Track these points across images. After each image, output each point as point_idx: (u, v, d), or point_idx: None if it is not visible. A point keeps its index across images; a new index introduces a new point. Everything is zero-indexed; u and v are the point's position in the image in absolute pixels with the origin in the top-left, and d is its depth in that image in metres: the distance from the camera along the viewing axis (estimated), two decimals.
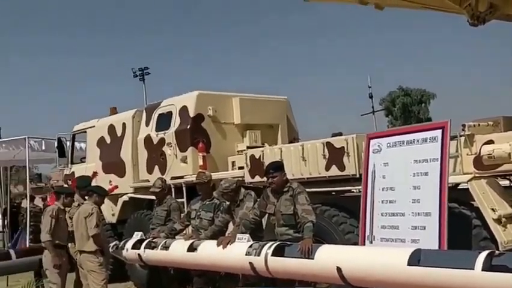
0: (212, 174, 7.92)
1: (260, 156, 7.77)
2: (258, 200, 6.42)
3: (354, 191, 7.19)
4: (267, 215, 6.23)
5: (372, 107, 35.87)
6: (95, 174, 10.81)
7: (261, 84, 77.55)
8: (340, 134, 7.70)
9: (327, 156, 6.88)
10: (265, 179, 6.40)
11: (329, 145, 6.89)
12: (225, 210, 6.86)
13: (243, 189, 6.79)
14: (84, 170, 11.59)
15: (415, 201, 5.38)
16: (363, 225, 5.85)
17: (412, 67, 70.36)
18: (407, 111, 47.12)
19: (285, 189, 5.87)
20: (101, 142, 11.31)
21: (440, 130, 5.32)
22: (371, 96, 35.63)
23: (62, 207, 7.65)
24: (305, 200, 5.71)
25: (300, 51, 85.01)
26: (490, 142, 5.89)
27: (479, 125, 6.31)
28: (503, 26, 7.16)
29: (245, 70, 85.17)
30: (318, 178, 7.02)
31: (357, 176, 6.61)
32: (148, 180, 10.22)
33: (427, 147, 5.39)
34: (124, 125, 10.82)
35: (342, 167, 6.72)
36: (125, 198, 10.58)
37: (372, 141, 5.91)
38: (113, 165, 10.85)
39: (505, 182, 6.32)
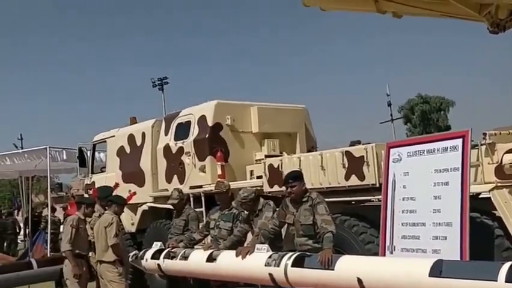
0: (230, 183, 7.92)
1: (279, 165, 7.77)
2: (277, 209, 6.40)
3: (374, 200, 7.15)
4: (286, 225, 6.20)
5: (391, 115, 35.80)
6: (117, 185, 10.89)
7: (279, 92, 77.52)
8: (359, 142, 7.67)
9: (346, 166, 6.85)
10: (284, 188, 6.39)
11: (348, 154, 6.85)
12: (244, 220, 6.85)
13: (261, 199, 6.78)
14: (104, 180, 11.68)
15: (436, 211, 5.32)
16: (384, 235, 5.80)
17: (431, 74, 69.75)
18: (426, 118, 46.74)
19: (304, 199, 5.84)
20: (121, 152, 11.42)
21: (461, 139, 5.26)
22: (389, 104, 35.54)
23: (83, 217, 7.72)
24: (325, 210, 5.67)
25: (318, 57, 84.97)
26: None
27: (500, 133, 6.22)
28: None
29: (263, 79, 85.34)
30: (337, 188, 6.98)
31: (377, 185, 6.56)
32: (167, 190, 10.27)
33: (448, 157, 5.33)
34: (143, 134, 10.91)
35: (361, 177, 6.68)
36: (144, 207, 10.65)
37: (392, 151, 5.87)
38: (133, 174, 10.93)
39: None
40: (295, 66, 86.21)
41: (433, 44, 73.68)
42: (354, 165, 6.75)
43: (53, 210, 14.43)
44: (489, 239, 5.59)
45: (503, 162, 5.60)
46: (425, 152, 5.55)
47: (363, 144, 7.25)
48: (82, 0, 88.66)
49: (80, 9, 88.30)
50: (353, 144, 7.65)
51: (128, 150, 11.26)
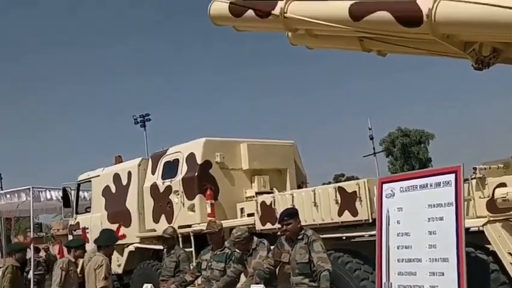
0: (222, 222, 7.85)
1: (271, 202, 7.74)
2: (272, 248, 6.34)
3: (365, 236, 7.14)
4: (280, 263, 6.14)
5: (373, 148, 36.20)
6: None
7: (265, 128, 77.97)
8: (342, 176, 7.74)
9: (339, 202, 6.86)
10: (277, 226, 6.35)
11: (340, 190, 6.88)
12: (237, 260, 6.76)
13: (255, 238, 6.72)
14: (89, 220, 11.54)
15: (432, 246, 5.32)
16: (380, 272, 5.77)
17: (411, 108, 71.12)
18: (407, 151, 47.41)
19: (300, 236, 5.80)
20: (106, 191, 11.29)
21: (453, 174, 5.31)
22: (371, 138, 36.04)
23: (73, 260, 7.58)
24: (321, 248, 5.64)
25: (302, 91, 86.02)
26: (503, 185, 5.89)
27: (489, 167, 6.33)
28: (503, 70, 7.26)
29: (249, 114, 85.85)
30: (330, 224, 6.97)
31: (370, 221, 6.58)
32: (154, 230, 10.18)
33: (441, 192, 5.37)
34: (129, 173, 10.82)
35: (355, 212, 6.69)
36: (131, 248, 10.49)
37: (384, 186, 5.89)
38: (119, 214, 10.78)
39: None
40: (277, 100, 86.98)
41: (413, 78, 75.29)
42: (347, 200, 6.77)
43: (37, 250, 14.08)
44: (484, 273, 5.61)
45: (496, 196, 5.67)
46: (418, 187, 5.58)
47: (347, 177, 7.30)
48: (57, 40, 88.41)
49: (58, 47, 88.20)
50: (336, 177, 7.73)
51: (113, 189, 11.14)
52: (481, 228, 5.76)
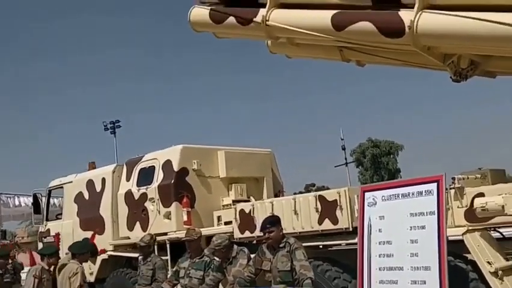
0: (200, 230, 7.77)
1: (250, 210, 7.70)
2: (252, 256, 6.29)
3: (342, 244, 7.15)
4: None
5: (345, 159, 36.67)
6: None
7: (238, 135, 77.92)
8: (313, 185, 7.79)
9: (319, 210, 6.87)
10: (256, 234, 6.31)
11: (321, 198, 6.89)
12: (216, 268, 6.68)
13: (235, 246, 6.66)
14: (60, 227, 11.29)
15: (413, 255, 5.36)
16: (361, 280, 5.77)
17: (381, 118, 72.20)
18: (377, 162, 48.05)
19: (282, 244, 5.77)
20: (79, 198, 11.07)
21: (436, 183, 5.37)
22: (343, 148, 36.52)
23: (47, 267, 7.37)
24: (303, 256, 5.61)
25: (274, 99, 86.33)
26: (481, 195, 5.99)
27: (467, 177, 6.44)
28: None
29: (220, 122, 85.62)
30: (311, 232, 6.97)
31: (350, 229, 6.60)
32: (128, 237, 10.02)
33: (423, 201, 5.42)
34: (103, 180, 10.64)
35: (335, 221, 6.71)
36: (104, 256, 10.26)
37: (367, 194, 5.92)
38: (92, 221, 10.58)
39: (496, 234, 6.41)
40: (248, 108, 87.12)
41: (384, 89, 76.46)
42: (328, 209, 6.79)
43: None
44: (464, 282, 5.68)
45: (475, 205, 5.75)
46: (400, 196, 5.62)
47: (317, 187, 7.36)
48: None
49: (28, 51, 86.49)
50: (307, 187, 7.77)
51: (87, 196, 10.94)
52: (460, 237, 5.82)
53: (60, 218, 11.55)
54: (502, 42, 5.78)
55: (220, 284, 6.79)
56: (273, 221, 5.93)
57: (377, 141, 48.55)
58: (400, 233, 5.51)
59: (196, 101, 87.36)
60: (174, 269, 7.40)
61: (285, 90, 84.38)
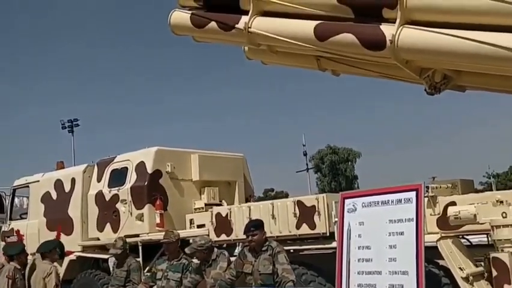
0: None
1: (227, 214, 7.78)
2: (232, 259, 6.39)
3: (312, 249, 7.33)
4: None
5: (307, 165, 37.20)
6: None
7: (197, 136, 77.61)
8: (272, 190, 8.00)
9: (297, 215, 7.02)
10: (231, 238, 6.31)
11: (299, 204, 7.04)
12: (195, 270, 6.75)
13: (215, 249, 6.74)
14: (25, 227, 11.06)
15: (392, 259, 5.55)
16: (339, 283, 5.93)
17: (341, 126, 73.60)
18: (335, 168, 48.82)
19: (264, 248, 5.90)
20: (46, 198, 10.88)
21: (415, 192, 5.61)
22: (305, 154, 37.03)
23: (19, 267, 7.23)
24: (285, 260, 5.76)
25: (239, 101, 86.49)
26: (453, 203, 6.29)
27: (440, 187, 6.75)
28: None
29: (181, 124, 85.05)
30: (288, 236, 7.11)
31: (328, 234, 6.78)
32: (98, 238, 9.93)
33: (402, 208, 5.63)
34: (73, 180, 10.50)
35: (312, 226, 6.87)
36: (72, 257, 10.11)
37: (346, 201, 6.10)
38: (60, 222, 10.41)
39: (464, 241, 6.74)
40: (206, 108, 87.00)
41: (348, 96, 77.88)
42: (306, 214, 6.95)
43: None
44: (437, 287, 5.93)
45: (449, 214, 6.03)
46: (380, 203, 5.82)
47: (276, 191, 7.58)
48: None
49: None
50: (266, 192, 7.97)
51: (54, 196, 10.76)
52: (433, 243, 6.09)
53: (25, 218, 11.29)
54: (474, 58, 6.11)
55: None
56: (257, 225, 6.06)
57: (336, 148, 49.44)
58: (379, 238, 5.70)
59: (156, 101, 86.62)
60: (151, 271, 7.40)
61: (249, 92, 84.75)
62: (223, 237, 7.78)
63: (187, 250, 6.65)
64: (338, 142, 50.58)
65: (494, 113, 69.60)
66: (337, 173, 48.35)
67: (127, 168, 9.69)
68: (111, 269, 8.92)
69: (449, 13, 6.15)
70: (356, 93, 75.09)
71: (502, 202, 5.71)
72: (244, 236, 7.57)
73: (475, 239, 7.20)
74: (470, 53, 6.00)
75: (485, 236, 7.23)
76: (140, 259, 8.83)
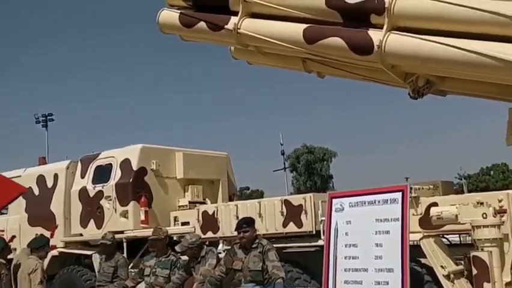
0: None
1: (214, 212, 7.89)
2: (221, 257, 6.52)
3: (294, 246, 7.48)
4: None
5: (284, 164, 37.42)
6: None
7: (173, 135, 77.27)
8: (247, 188, 8.15)
9: (284, 214, 7.18)
10: (218, 235, 6.36)
11: (287, 203, 7.21)
12: (183, 267, 6.84)
13: (205, 246, 6.85)
14: (6, 222, 10.98)
15: (378, 257, 5.76)
16: (326, 280, 6.11)
17: (317, 125, 74.22)
18: (311, 168, 49.23)
19: (254, 245, 6.03)
20: (28, 193, 10.76)
21: (400, 193, 5.82)
22: (282, 153, 37.21)
23: (4, 262, 7.20)
24: (275, 257, 5.91)
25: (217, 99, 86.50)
26: (435, 204, 6.54)
27: (422, 188, 7.00)
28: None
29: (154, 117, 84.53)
30: (275, 234, 7.27)
31: (314, 232, 6.97)
32: (81, 234, 9.95)
33: (388, 208, 5.84)
34: (56, 175, 10.47)
35: (299, 224, 7.04)
36: (54, 252, 10.08)
37: (334, 200, 6.29)
38: (42, 217, 10.37)
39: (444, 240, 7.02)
40: (180, 107, 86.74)
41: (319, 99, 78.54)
42: (293, 213, 7.11)
43: None
44: (420, 284, 6.16)
45: (431, 214, 6.27)
46: (367, 203, 6.02)
47: (251, 190, 7.75)
48: None
49: None
50: (241, 190, 8.12)
51: (36, 191, 10.70)
52: (416, 242, 6.33)
53: (6, 213, 11.19)
54: (457, 65, 6.37)
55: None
56: (248, 222, 6.19)
57: (312, 148, 49.86)
58: (366, 237, 5.90)
59: (135, 100, 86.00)
60: (139, 267, 7.46)
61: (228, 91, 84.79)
62: (210, 234, 7.90)
63: (178, 248, 6.73)
64: (315, 141, 51.23)
65: (467, 117, 71.49)
66: (312, 173, 48.79)
67: (111, 164, 9.71)
68: (95, 266, 8.96)
69: (435, 21, 6.39)
70: (336, 94, 76.04)
71: (482, 203, 5.97)
72: (230, 234, 7.85)
73: (453, 238, 7.49)
74: (453, 60, 6.25)
75: (458, 235, 7.58)
76: (125, 255, 8.87)
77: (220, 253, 7.67)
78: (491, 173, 49.79)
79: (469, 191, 26.75)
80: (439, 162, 62.26)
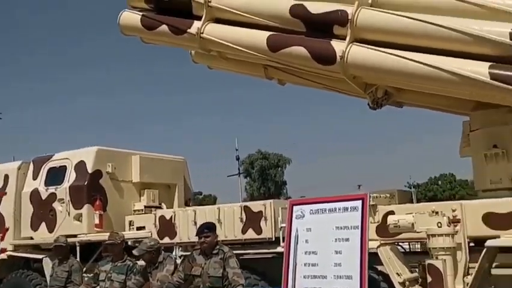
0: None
1: (172, 217, 7.81)
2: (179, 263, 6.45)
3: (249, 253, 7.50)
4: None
5: (239, 169, 37.39)
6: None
7: (126, 137, 76.06)
8: (200, 193, 8.16)
9: (244, 220, 7.18)
10: (175, 241, 6.29)
11: (246, 209, 7.21)
12: (139, 272, 6.71)
13: (162, 251, 6.74)
14: None
15: (337, 264, 5.82)
16: (285, 287, 6.15)
17: (271, 131, 74.73)
18: (265, 174, 49.41)
19: (215, 251, 5.98)
20: None
21: (360, 201, 5.92)
22: (237, 159, 37.17)
23: None
24: (236, 264, 5.87)
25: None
26: (392, 213, 6.69)
27: (380, 196, 7.16)
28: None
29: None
30: (233, 241, 7.25)
31: (273, 239, 7.00)
32: (31, 238, 9.66)
33: (348, 216, 5.92)
34: (6, 176, 10.15)
35: (259, 231, 7.06)
36: (3, 256, 9.74)
37: (295, 208, 6.33)
38: None
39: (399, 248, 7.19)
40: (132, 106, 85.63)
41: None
42: (252, 219, 7.12)
43: None
44: None
45: (388, 222, 6.40)
46: (327, 211, 6.09)
47: (204, 195, 7.76)
48: None
49: None
50: (195, 194, 8.06)
51: None
52: (374, 250, 6.45)
53: None
54: (415, 78, 6.58)
55: None
56: (210, 227, 6.12)
57: (266, 153, 50.07)
58: (325, 244, 5.95)
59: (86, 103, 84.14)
60: (94, 272, 7.27)
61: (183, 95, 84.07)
62: (167, 240, 7.80)
63: (135, 252, 6.58)
64: (270, 148, 51.51)
65: (417, 128, 73.67)
66: (266, 178, 49.02)
67: (66, 166, 9.48)
68: (46, 270, 8.70)
69: (396, 35, 6.58)
70: (292, 100, 76.78)
71: (437, 213, 6.15)
72: (188, 239, 7.79)
73: (405, 246, 7.69)
74: (413, 73, 6.45)
75: (407, 243, 7.79)
76: (77, 260, 8.65)
77: (176, 259, 7.59)
78: (439, 182, 51.37)
79: (418, 200, 27.58)
80: (390, 171, 63.95)
